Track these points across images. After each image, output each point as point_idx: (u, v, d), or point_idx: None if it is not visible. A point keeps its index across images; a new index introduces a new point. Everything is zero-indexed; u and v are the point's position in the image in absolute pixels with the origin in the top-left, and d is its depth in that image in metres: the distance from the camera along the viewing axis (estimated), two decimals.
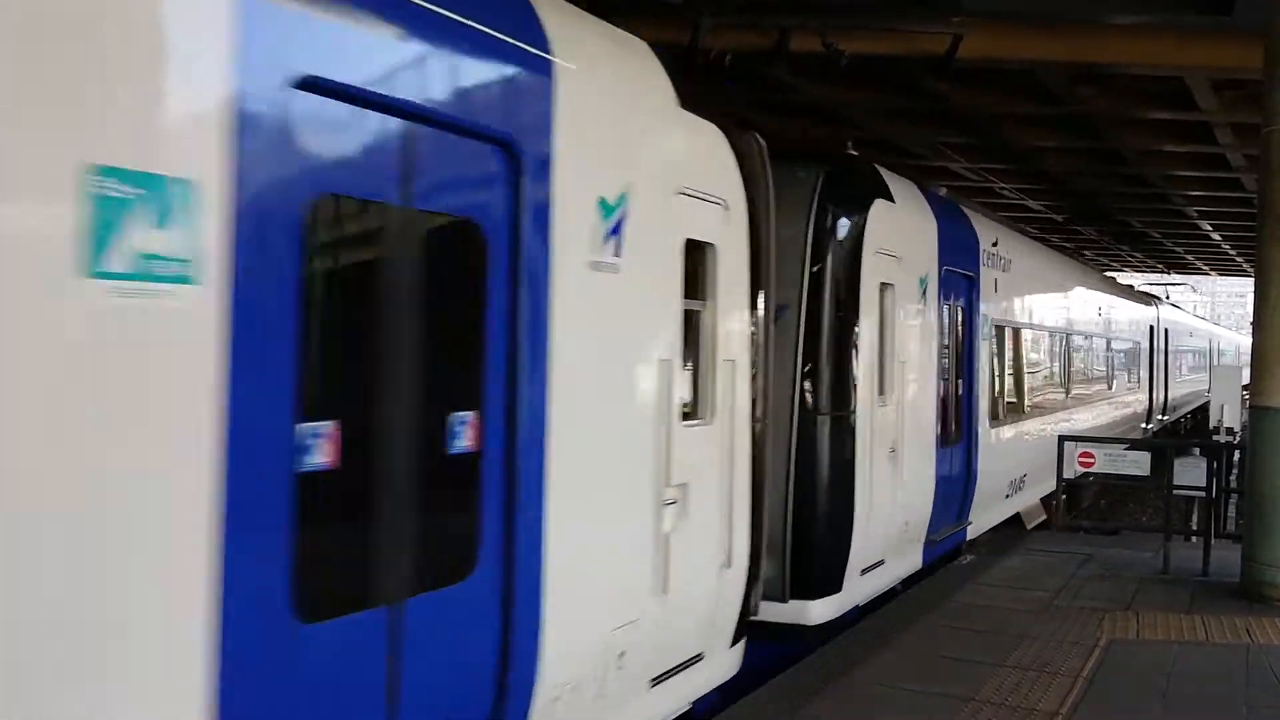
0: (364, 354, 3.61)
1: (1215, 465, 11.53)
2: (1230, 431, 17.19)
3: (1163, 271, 41.55)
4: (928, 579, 10.08)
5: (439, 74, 3.81)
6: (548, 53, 4.40)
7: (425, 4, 3.75)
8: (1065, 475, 12.27)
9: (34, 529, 2.54)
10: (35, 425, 2.54)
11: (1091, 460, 11.70)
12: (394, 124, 3.59)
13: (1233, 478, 13.69)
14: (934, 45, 10.02)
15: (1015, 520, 13.73)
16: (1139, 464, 11.57)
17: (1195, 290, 70.56)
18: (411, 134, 3.66)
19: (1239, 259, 33.53)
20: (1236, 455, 13.35)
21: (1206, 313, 70.66)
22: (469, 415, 3.94)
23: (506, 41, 4.17)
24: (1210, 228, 25.32)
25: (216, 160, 2.92)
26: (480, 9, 4.06)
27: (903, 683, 6.96)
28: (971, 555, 11.43)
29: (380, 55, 3.54)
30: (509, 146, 4.09)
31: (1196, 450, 12.23)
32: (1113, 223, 25.24)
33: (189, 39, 2.89)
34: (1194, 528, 14.25)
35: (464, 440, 3.93)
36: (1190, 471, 11.33)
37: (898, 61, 10.89)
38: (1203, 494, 11.42)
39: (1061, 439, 12.43)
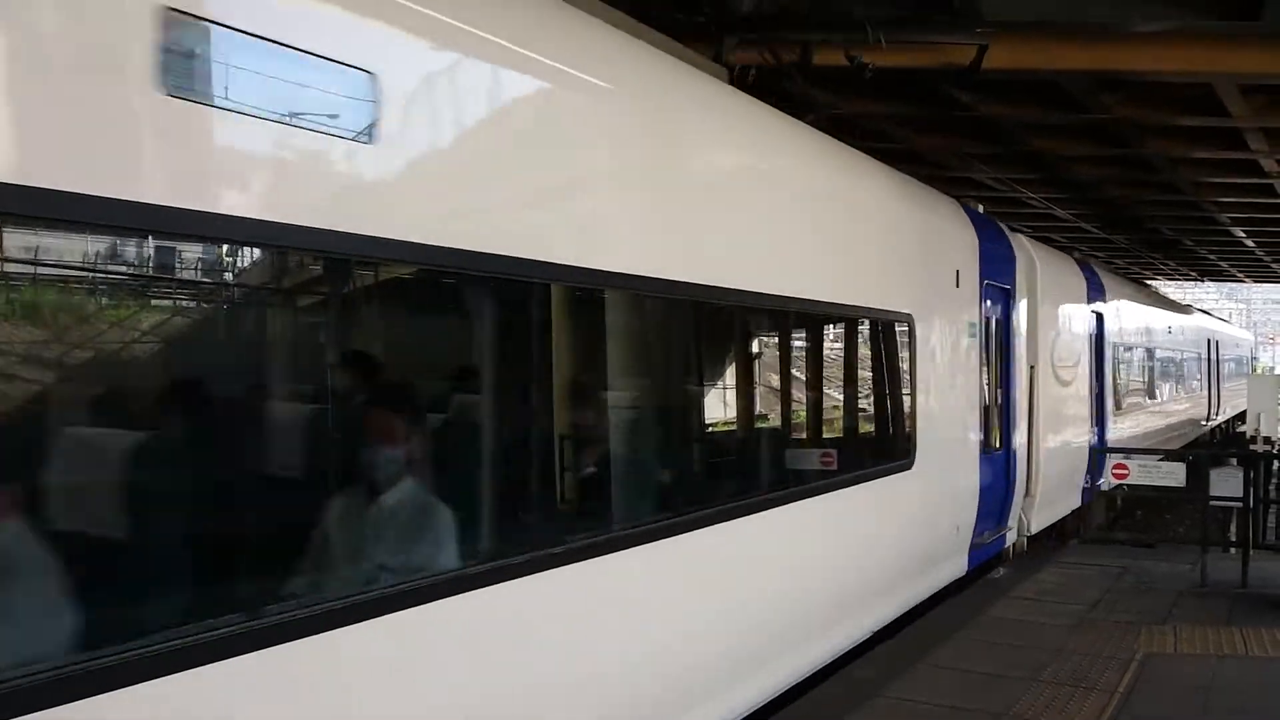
0: None
1: (1252, 475, 11.37)
2: (1268, 441, 16.94)
3: (1195, 279, 41.13)
4: (963, 592, 10.00)
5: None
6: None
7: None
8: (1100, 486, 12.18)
9: None
10: None
11: (1126, 471, 11.58)
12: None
13: (1271, 487, 13.51)
14: (958, 56, 9.99)
15: (1048, 532, 13.61)
16: (1174, 475, 11.43)
17: (1231, 298, 69.75)
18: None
19: (1274, 265, 33.11)
20: (1275, 465, 13.18)
21: (1243, 320, 69.76)
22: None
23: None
24: (1243, 234, 25.00)
25: None
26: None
27: (936, 699, 6.90)
28: (1006, 568, 11.33)
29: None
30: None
31: (1234, 460, 12.08)
32: (1143, 230, 25.00)
33: None
34: (1232, 539, 14.06)
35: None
36: (1227, 482, 11.19)
37: (922, 73, 10.86)
38: (1240, 504, 11.26)
39: (1092, 450, 12.46)
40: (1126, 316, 18.63)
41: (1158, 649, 8.19)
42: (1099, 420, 15.49)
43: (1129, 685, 7.24)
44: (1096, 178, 17.99)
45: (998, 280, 10.87)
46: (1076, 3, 9.26)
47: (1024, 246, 12.50)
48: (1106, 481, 13.08)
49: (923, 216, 9.32)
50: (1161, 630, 8.74)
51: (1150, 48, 10.19)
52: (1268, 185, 17.52)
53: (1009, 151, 15.65)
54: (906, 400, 8.43)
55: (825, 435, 7.74)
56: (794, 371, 7.30)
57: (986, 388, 10.56)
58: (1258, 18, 8.67)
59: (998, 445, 10.90)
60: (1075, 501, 14.03)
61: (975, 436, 10.06)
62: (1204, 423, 27.93)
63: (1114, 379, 17.10)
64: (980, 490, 10.06)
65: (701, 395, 6.23)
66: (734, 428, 6.51)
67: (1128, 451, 14.09)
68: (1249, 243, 26.71)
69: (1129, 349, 19.10)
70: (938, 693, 7.02)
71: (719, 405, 6.51)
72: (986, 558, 10.78)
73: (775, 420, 7.08)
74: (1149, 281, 33.36)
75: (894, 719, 6.57)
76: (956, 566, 9.83)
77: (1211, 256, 31.22)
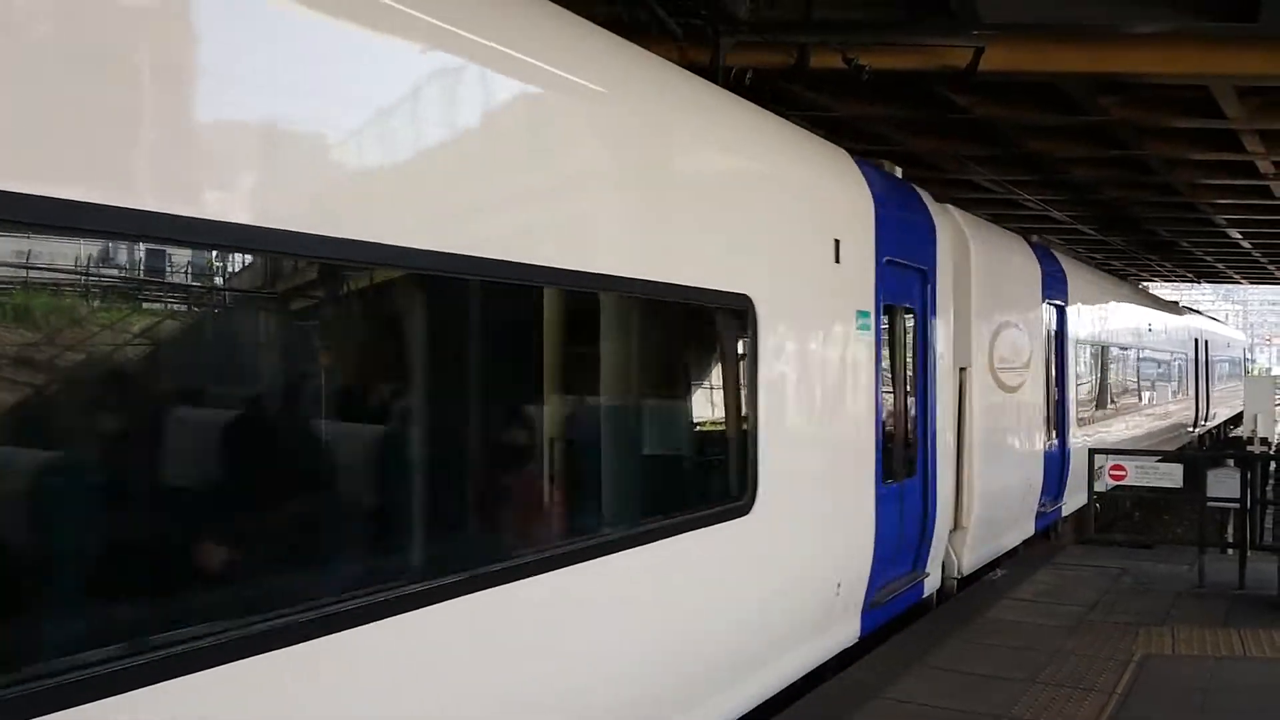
0: None
1: (1250, 476, 11.38)
2: (1264, 442, 16.98)
3: (1192, 280, 41.19)
4: (960, 594, 10.00)
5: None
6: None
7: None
8: (1096, 489, 12.14)
9: None
10: None
11: (1123, 473, 11.57)
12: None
13: (1268, 489, 13.52)
14: (955, 59, 10.01)
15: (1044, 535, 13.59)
16: (1171, 476, 11.43)
17: (1228, 300, 69.83)
18: None
19: (1270, 266, 33.16)
20: (1272, 466, 13.19)
21: (1240, 322, 69.82)
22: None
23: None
24: (1239, 235, 25.05)
25: None
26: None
27: (935, 700, 6.90)
28: (1003, 570, 11.33)
29: None
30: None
31: (1230, 461, 12.08)
32: (1140, 232, 25.04)
33: None
34: (1229, 540, 14.06)
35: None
36: (1224, 483, 11.19)
37: (919, 75, 10.87)
38: (1237, 505, 11.27)
39: (1092, 452, 12.30)
40: (1095, 311, 16.45)
41: (1155, 650, 8.20)
42: (1059, 431, 13.42)
43: (1127, 687, 7.25)
44: (1093, 180, 18.02)
45: (908, 258, 8.45)
46: (1073, 5, 9.28)
47: (951, 219, 10.11)
48: (1104, 483, 11.95)
49: (776, 163, 6.77)
50: (1159, 631, 8.74)
51: (1147, 49, 10.21)
52: (1264, 187, 17.56)
53: (1006, 154, 15.67)
54: (740, 418, 6.02)
55: (579, 480, 4.99)
56: (545, 383, 4.69)
57: (889, 398, 8.21)
58: (1254, 19, 8.69)
59: (908, 471, 8.58)
60: (1027, 529, 12.25)
61: (869, 463, 7.63)
62: (1191, 429, 26.12)
63: (1081, 382, 15.14)
64: (878, 533, 7.71)
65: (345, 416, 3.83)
66: (420, 473, 3.96)
67: (1118, 450, 12.75)
68: (1245, 244, 26.76)
69: (1098, 348, 16.81)
70: (936, 694, 7.02)
71: (404, 434, 3.97)
72: (892, 615, 8.37)
73: (499, 460, 4.48)
74: (1145, 283, 33.34)
75: None
76: (843, 634, 7.46)
77: (1208, 258, 31.27)
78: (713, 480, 6.07)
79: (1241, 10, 8.69)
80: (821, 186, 7.33)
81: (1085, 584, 10.58)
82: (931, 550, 9.01)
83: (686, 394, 6.10)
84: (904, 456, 8.52)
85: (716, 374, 6.29)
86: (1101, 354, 17.14)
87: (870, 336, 7.68)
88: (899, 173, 9.35)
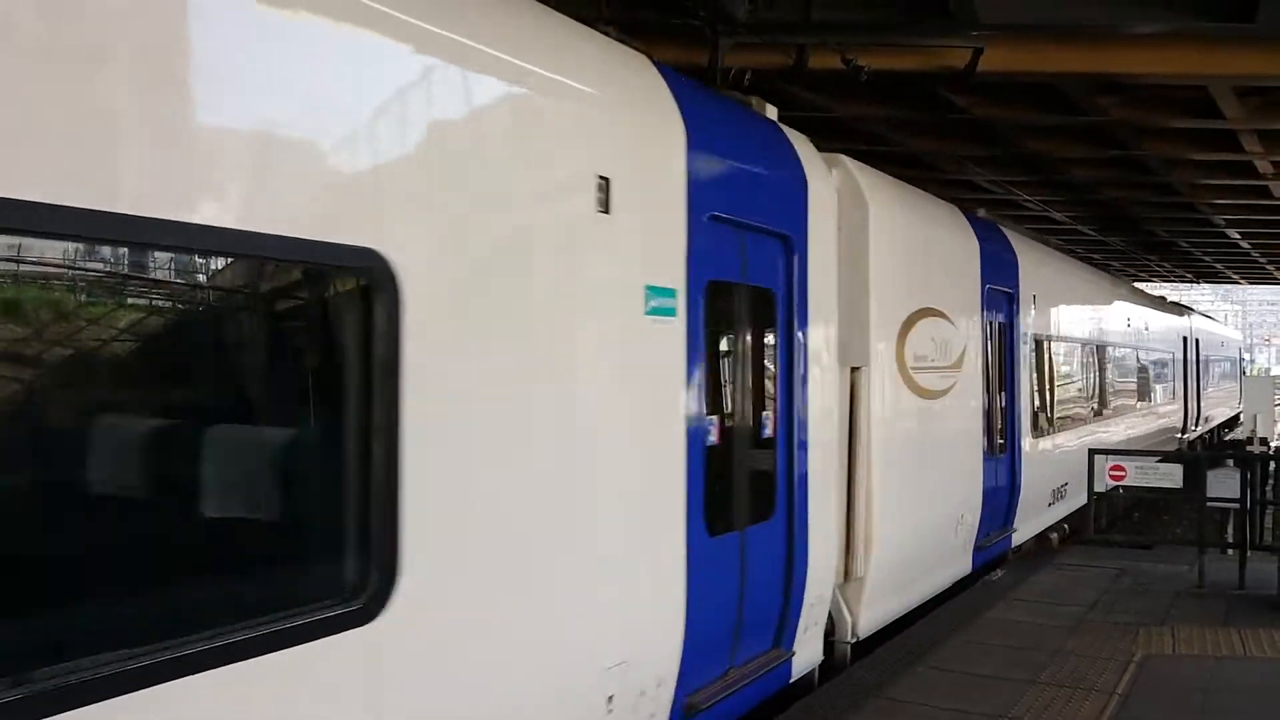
0: None
1: (1250, 476, 11.38)
2: (1264, 442, 16.98)
3: (1191, 281, 41.18)
4: (961, 595, 9.99)
5: None
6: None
7: None
8: (1096, 489, 12.12)
9: None
10: None
11: (1123, 473, 11.56)
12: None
13: (1268, 489, 13.52)
14: (954, 59, 10.00)
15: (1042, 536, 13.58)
16: (1171, 476, 11.43)
17: (1227, 300, 69.87)
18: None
19: (1269, 266, 33.16)
20: (1272, 466, 13.18)
21: (1238, 322, 69.84)
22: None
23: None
24: (1238, 236, 25.06)
25: None
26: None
27: (935, 701, 6.90)
28: (1003, 570, 11.33)
29: None
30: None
31: (1230, 462, 12.09)
32: (1139, 233, 25.06)
33: None
34: (1229, 540, 14.07)
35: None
36: (1224, 483, 11.19)
37: (918, 76, 10.87)
38: (1237, 505, 11.28)
39: (1092, 452, 12.26)
40: (1058, 302, 14.13)
41: (1156, 650, 8.20)
42: (1009, 445, 11.36)
43: (1127, 687, 7.25)
44: (1093, 180, 18.03)
45: (756, 218, 6.22)
46: (1072, 5, 9.28)
47: (846, 174, 7.92)
48: (1104, 484, 11.47)
49: (459, 49, 4.16)
50: (1159, 631, 8.75)
51: (1145, 50, 10.22)
52: (1262, 187, 17.57)
53: (1005, 154, 15.68)
54: (362, 455, 3.61)
55: None
56: None
57: (716, 413, 5.87)
58: (1252, 20, 8.69)
59: (759, 513, 6.26)
60: (960, 567, 10.14)
61: (671, 509, 5.32)
62: (1179, 435, 23.88)
63: (1035, 385, 12.85)
64: (692, 610, 5.40)
65: None
66: None
67: (1118, 451, 12.42)
68: (1244, 244, 26.77)
69: (1061, 346, 14.46)
70: (937, 695, 7.02)
71: None
72: (738, 715, 6.13)
73: None
74: (1142, 284, 33.31)
75: None
76: None
77: (1207, 258, 31.27)
78: (286, 565, 3.52)
79: (1240, 10, 8.70)
80: (564, 89, 4.78)
81: (1085, 584, 10.58)
82: (803, 616, 6.73)
83: (233, 418, 3.48)
84: (748, 493, 6.20)
85: (308, 391, 3.73)
86: (1066, 353, 14.97)
87: (676, 325, 5.34)
88: (772, 113, 7.19)
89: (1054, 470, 13.28)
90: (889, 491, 8.13)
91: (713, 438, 5.77)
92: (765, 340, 6.55)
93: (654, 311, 5.23)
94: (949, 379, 9.56)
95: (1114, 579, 10.87)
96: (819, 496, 6.92)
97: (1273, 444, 16.82)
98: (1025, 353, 12.12)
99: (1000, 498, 11.13)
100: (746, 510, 6.16)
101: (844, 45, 9.36)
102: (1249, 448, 16.74)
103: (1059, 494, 13.62)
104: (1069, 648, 8.21)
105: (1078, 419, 15.22)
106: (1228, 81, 11.38)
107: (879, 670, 7.53)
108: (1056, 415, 13.94)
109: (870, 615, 8.09)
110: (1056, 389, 14.07)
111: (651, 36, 8.49)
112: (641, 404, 5.16)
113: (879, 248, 8.09)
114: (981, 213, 12.27)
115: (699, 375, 5.52)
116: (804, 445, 6.75)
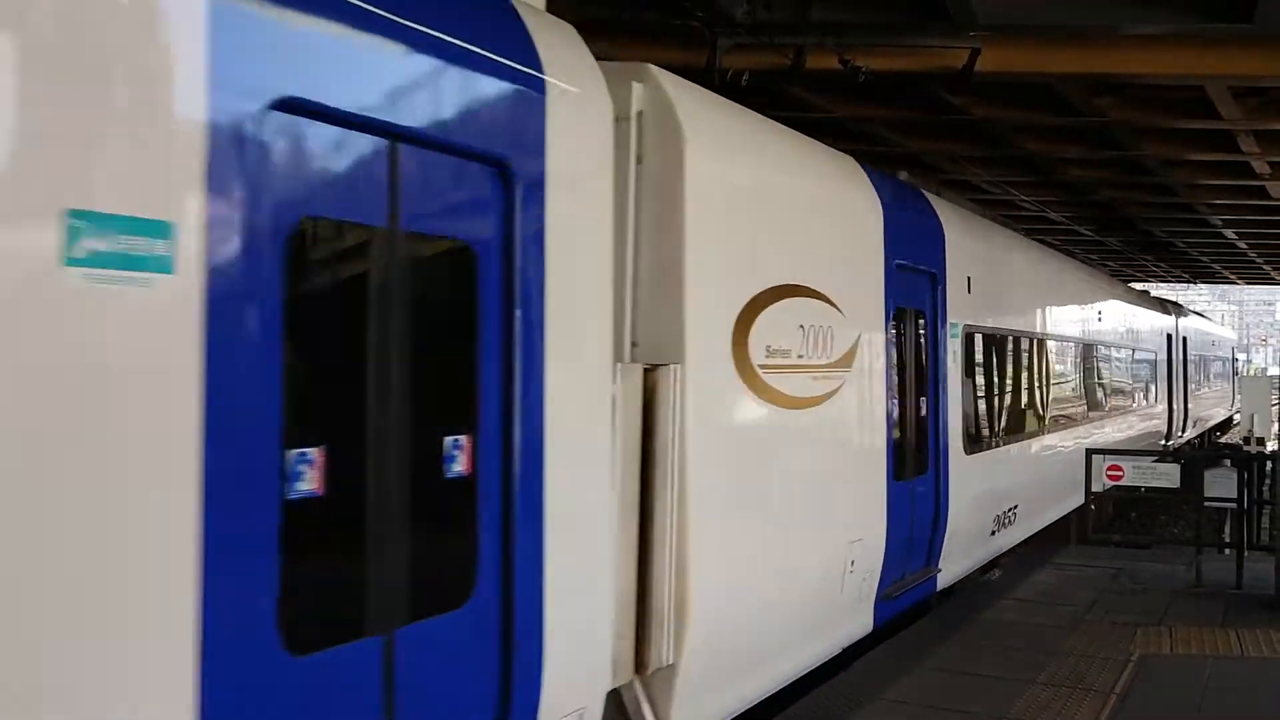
0: None
1: (1247, 476, 11.40)
2: (1261, 442, 16.99)
3: (1188, 281, 41.24)
4: (956, 596, 10.00)
5: None
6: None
7: None
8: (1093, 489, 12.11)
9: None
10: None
11: (1120, 473, 11.57)
12: None
13: (1265, 488, 13.53)
14: (952, 60, 10.01)
15: (1042, 535, 13.57)
16: (1169, 476, 11.43)
17: (1224, 300, 69.99)
18: None
19: (1266, 267, 33.21)
20: (1269, 466, 13.19)
21: (1235, 322, 69.94)
22: None
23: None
24: (1235, 236, 25.10)
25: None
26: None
27: (934, 701, 6.91)
28: (999, 570, 11.34)
29: None
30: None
31: (1227, 462, 12.10)
32: (1136, 233, 25.09)
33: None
34: (1226, 540, 14.09)
35: None
36: (1221, 483, 11.20)
37: (916, 77, 10.88)
38: (1234, 505, 11.29)
39: (1089, 452, 12.24)
40: (1002, 287, 11.42)
41: (1153, 650, 8.21)
42: (931, 463, 9.01)
43: (1125, 686, 7.26)
44: (1090, 180, 18.06)
45: (462, 138, 3.98)
46: (1069, 6, 9.29)
47: (652, 81, 5.59)
48: (1101, 483, 11.31)
49: None
50: (1157, 631, 8.76)
51: (1143, 50, 10.23)
52: (1259, 187, 17.59)
53: (1002, 154, 15.70)
54: None
55: None
56: None
57: (316, 451, 3.38)
58: (1250, 20, 8.70)
59: (454, 598, 3.92)
60: (855, 627, 7.77)
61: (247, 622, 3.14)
62: (1162, 443, 21.41)
63: (971, 389, 10.34)
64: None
65: None
66: None
67: (1115, 450, 12.26)
68: (1241, 244, 26.81)
69: (1008, 341, 11.82)
70: (935, 695, 7.03)
71: None
72: None
73: None
74: (1138, 284, 33.34)
75: None
76: None
77: (1204, 259, 31.32)
78: None
79: (1237, 11, 8.71)
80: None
81: (1083, 584, 10.59)
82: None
83: None
84: (444, 571, 3.98)
85: None
86: (1015, 351, 12.21)
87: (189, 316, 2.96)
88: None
89: (997, 493, 10.83)
90: (717, 538, 5.78)
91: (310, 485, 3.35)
92: (435, 331, 3.99)
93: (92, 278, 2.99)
94: (831, 381, 7.16)
95: (1112, 579, 10.88)
96: (577, 552, 4.58)
97: (1269, 444, 16.81)
98: (955, 349, 9.73)
99: (920, 530, 8.75)
100: (445, 592, 3.91)
101: (842, 46, 9.37)
102: (1246, 448, 16.77)
103: (1004, 520, 11.12)
104: (1067, 648, 8.22)
105: (1030, 430, 12.59)
106: (1225, 82, 11.39)
107: (876, 672, 7.53)
108: (1001, 426, 11.40)
109: (695, 716, 5.71)
110: (1002, 395, 11.61)
111: (650, 37, 8.52)
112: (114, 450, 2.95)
113: (701, 196, 5.72)
114: (904, 175, 10.10)
115: (257, 392, 3.17)
116: (536, 490, 4.28)
